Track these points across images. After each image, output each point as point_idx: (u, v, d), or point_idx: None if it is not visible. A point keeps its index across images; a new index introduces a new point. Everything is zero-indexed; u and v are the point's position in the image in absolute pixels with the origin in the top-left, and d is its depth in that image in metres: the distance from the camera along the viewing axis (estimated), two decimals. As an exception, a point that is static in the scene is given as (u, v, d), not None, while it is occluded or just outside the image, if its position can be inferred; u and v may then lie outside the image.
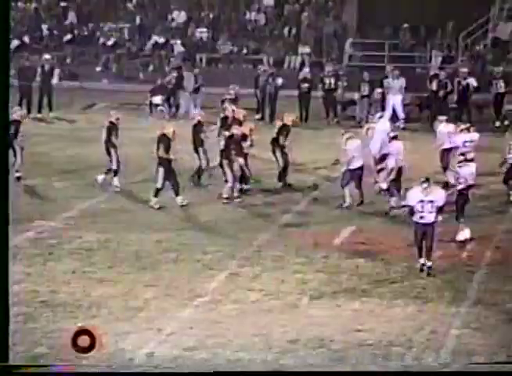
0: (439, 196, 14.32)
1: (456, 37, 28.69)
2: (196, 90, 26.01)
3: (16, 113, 19.20)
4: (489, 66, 27.22)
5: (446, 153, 19.06)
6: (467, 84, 24.85)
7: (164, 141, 17.36)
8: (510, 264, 15.04)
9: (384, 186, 17.56)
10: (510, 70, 25.98)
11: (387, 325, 12.71)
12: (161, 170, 17.27)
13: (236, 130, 18.26)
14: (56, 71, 26.46)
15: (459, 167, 16.31)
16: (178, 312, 13.13)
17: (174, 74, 26.21)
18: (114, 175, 18.60)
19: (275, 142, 18.97)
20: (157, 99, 25.91)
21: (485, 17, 28.68)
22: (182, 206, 17.40)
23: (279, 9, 31.48)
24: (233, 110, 19.92)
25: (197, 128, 19.10)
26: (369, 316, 13.01)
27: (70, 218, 17.22)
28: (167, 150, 17.26)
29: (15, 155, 18.74)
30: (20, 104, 25.78)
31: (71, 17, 31.67)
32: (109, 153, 18.53)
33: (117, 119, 18.85)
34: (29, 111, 25.84)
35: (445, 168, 18.87)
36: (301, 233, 16.38)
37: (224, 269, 14.69)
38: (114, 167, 18.54)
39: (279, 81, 25.70)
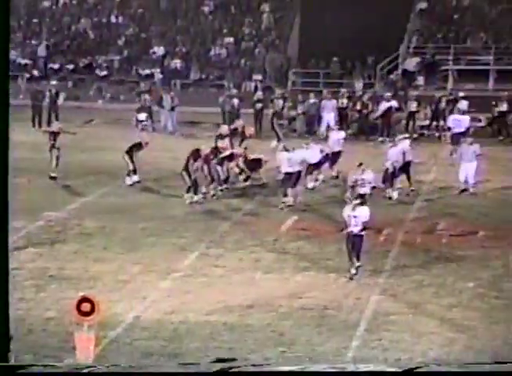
0: (363, 213, 13.34)
1: (375, 69, 28.84)
2: (173, 109, 25.84)
3: (54, 126, 19.39)
4: (401, 91, 27.37)
5: (336, 154, 19.07)
6: (390, 106, 24.86)
7: (194, 154, 17.26)
8: (416, 245, 15.11)
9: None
10: (418, 94, 26.19)
11: (323, 293, 12.73)
12: (184, 172, 17.15)
13: (220, 144, 18.15)
14: (61, 94, 26.24)
15: (362, 173, 16.14)
16: (159, 284, 13.05)
17: (147, 96, 26.02)
18: (134, 173, 18.57)
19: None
20: (142, 116, 25.67)
21: (396, 53, 28.84)
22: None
23: (238, 45, 31.40)
24: (243, 126, 19.78)
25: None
26: (308, 286, 13.01)
27: (73, 209, 17.03)
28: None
29: (51, 160, 18.86)
30: (33, 120, 25.52)
31: (40, 51, 31.38)
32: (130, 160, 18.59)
33: (146, 143, 18.76)
34: (40, 125, 25.53)
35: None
36: (255, 222, 16.33)
37: (195, 250, 14.60)
38: (131, 168, 18.51)
39: (235, 101, 25.62)
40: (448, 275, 13.47)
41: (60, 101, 25.97)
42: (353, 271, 13.24)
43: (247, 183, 18.57)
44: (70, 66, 31.14)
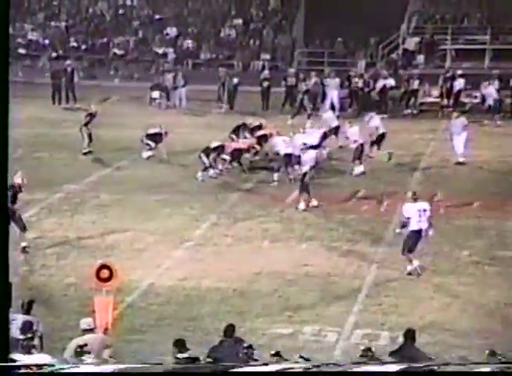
0: (427, 205, 12.27)
1: (377, 49, 28.61)
2: (183, 86, 25.69)
3: (92, 108, 19.22)
4: (402, 69, 27.19)
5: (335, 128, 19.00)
6: (386, 83, 24.70)
7: (219, 150, 17.03)
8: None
9: None
10: (418, 73, 25.98)
11: (327, 261, 12.72)
12: (202, 154, 16.93)
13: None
14: (76, 72, 26.17)
15: (302, 153, 15.74)
16: (172, 253, 13.07)
17: (170, 75, 25.89)
18: (153, 149, 18.49)
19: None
20: (155, 94, 25.60)
21: (397, 33, 28.61)
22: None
23: (246, 26, 31.19)
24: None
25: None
26: (313, 254, 12.99)
27: (91, 182, 17.02)
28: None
29: (83, 138, 18.86)
30: (53, 97, 25.45)
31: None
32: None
33: (164, 129, 18.53)
34: (60, 102, 25.48)
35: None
36: (263, 194, 16.26)
37: (206, 220, 14.57)
38: (153, 146, 18.41)
39: (235, 80, 25.34)
40: (445, 243, 13.43)
41: (75, 79, 25.86)
42: (409, 268, 12.06)
43: (256, 158, 18.48)
44: (88, 46, 31.01)
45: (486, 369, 3.81)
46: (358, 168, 17.52)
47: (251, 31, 31.01)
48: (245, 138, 18.45)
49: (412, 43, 28.42)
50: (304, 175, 15.27)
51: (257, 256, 12.88)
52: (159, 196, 15.89)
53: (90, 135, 19.03)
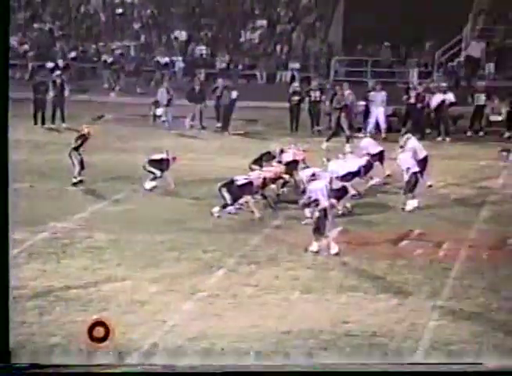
0: None
1: (433, 55, 28.82)
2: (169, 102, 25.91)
3: (84, 129, 19.48)
4: (464, 81, 27.37)
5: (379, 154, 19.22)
6: (444, 99, 24.83)
7: (249, 188, 17.14)
8: (482, 261, 15.04)
9: None
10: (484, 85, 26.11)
11: (372, 317, 12.71)
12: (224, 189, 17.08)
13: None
14: (67, 86, 26.46)
15: (308, 183, 16.06)
16: (181, 306, 13.13)
17: (162, 89, 25.90)
18: (158, 178, 18.80)
19: None
20: (159, 111, 25.97)
21: (459, 37, 28.80)
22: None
23: (272, 28, 31.57)
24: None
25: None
26: (355, 309, 12.99)
27: (82, 219, 17.20)
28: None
29: (73, 164, 19.12)
30: (35, 116, 25.84)
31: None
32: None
33: (170, 154, 18.90)
34: (43, 122, 25.88)
35: None
36: (292, 234, 16.30)
37: (222, 266, 14.64)
38: (158, 175, 18.69)
39: (234, 94, 25.44)
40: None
41: (66, 94, 26.23)
42: None
43: (284, 189, 18.61)
44: (78, 54, 31.49)
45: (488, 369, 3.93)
46: (412, 203, 17.58)
47: (278, 35, 31.41)
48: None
49: (477, 48, 28.62)
50: (325, 210, 15.26)
51: (285, 310, 12.91)
52: (165, 236, 16.01)
53: (81, 162, 19.29)
